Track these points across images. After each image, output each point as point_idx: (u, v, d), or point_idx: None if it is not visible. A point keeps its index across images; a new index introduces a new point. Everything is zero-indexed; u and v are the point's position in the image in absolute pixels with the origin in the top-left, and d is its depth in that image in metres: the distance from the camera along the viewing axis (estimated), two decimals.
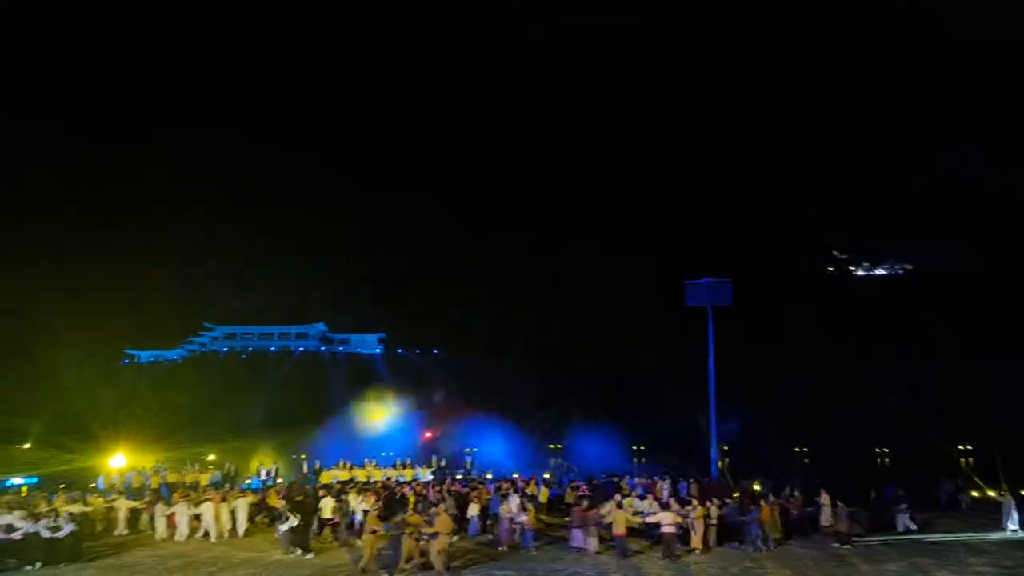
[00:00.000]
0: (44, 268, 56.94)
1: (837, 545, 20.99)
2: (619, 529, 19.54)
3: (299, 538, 20.33)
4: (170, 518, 23.40)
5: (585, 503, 21.72)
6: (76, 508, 23.53)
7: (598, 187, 65.90)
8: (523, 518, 21.36)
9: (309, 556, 19.81)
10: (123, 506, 25.33)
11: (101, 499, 26.53)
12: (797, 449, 45.90)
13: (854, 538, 21.36)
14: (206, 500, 23.76)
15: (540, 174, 69.64)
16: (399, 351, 65.36)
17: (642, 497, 25.36)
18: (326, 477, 36.56)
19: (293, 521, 20.12)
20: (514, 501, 22.24)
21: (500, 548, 20.63)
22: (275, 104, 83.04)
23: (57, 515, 20.57)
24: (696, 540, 20.04)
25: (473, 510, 23.56)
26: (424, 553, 18.13)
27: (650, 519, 20.61)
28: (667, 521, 19.61)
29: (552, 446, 46.64)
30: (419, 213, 68.40)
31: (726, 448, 37.38)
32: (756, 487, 29.06)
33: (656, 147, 67.05)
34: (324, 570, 18.36)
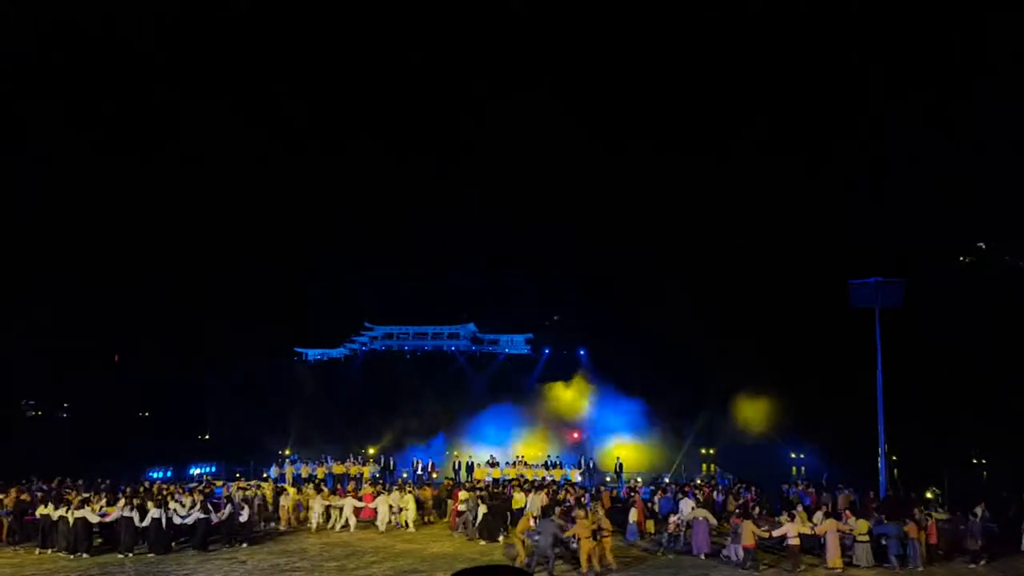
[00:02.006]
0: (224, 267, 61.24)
1: (973, 566, 19.24)
2: (747, 540, 18.95)
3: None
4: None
5: (749, 513, 21.17)
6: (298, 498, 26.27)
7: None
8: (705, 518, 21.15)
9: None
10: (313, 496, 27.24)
11: (294, 488, 28.60)
12: (975, 460, 42.26)
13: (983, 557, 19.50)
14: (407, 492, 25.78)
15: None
16: (546, 351, 65.93)
17: (807, 508, 24.32)
18: (479, 473, 37.67)
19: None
20: (686, 505, 21.99)
21: (698, 555, 20.22)
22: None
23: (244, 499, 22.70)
24: (831, 558, 18.84)
25: (632, 516, 23.43)
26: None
27: (776, 532, 19.68)
28: (792, 533, 18.89)
29: (704, 450, 45.42)
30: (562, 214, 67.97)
31: (895, 458, 35.03)
32: (928, 495, 27.13)
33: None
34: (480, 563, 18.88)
